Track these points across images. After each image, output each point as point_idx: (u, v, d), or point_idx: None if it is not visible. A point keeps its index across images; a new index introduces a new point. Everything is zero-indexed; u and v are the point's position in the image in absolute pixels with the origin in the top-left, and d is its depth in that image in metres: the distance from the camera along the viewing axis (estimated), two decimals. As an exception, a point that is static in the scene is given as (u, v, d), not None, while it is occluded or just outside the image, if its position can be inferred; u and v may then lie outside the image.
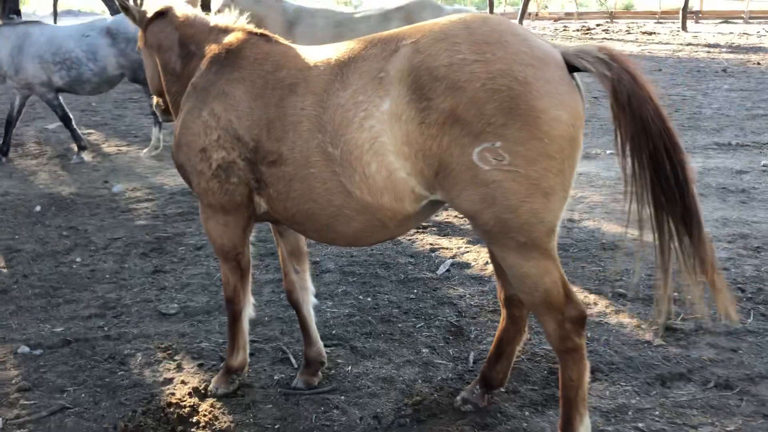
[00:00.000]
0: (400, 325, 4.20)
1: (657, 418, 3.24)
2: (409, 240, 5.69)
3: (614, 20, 35.16)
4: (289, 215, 2.93)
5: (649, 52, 20.86)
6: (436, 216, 6.03)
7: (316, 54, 2.90)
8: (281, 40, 3.10)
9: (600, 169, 7.77)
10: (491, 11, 31.90)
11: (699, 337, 3.98)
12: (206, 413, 3.33)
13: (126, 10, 3.44)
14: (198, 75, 3.10)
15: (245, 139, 2.90)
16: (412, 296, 4.62)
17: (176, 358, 3.89)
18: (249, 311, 3.48)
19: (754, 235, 5.58)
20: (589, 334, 4.03)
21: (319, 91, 2.74)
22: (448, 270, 5.01)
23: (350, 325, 4.21)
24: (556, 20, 36.12)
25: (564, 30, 30.24)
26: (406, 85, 2.54)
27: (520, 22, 29.28)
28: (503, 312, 3.23)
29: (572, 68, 2.61)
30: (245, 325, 3.47)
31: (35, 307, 4.57)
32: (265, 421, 3.27)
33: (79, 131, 8.90)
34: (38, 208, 6.74)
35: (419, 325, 4.20)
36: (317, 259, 5.30)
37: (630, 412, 3.29)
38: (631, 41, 24.82)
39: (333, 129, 2.66)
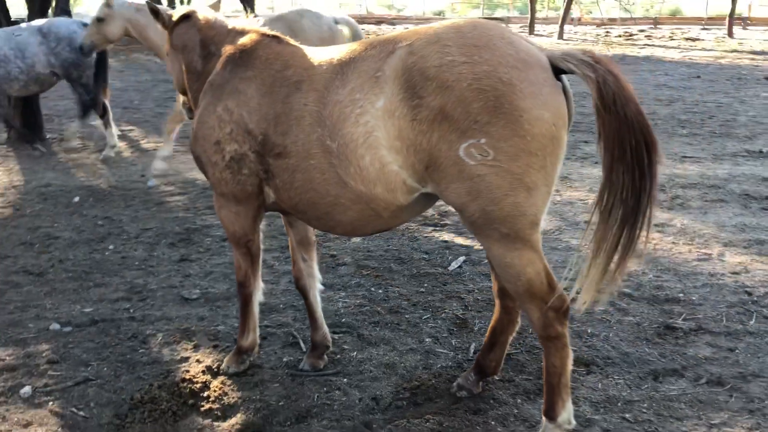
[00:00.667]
0: (407, 316, 4.38)
1: (644, 410, 3.36)
2: (426, 237, 5.86)
3: (658, 26, 34.70)
4: (292, 204, 3.15)
5: (689, 59, 20.60)
6: (455, 215, 6.19)
7: (321, 54, 3.11)
8: (291, 41, 3.32)
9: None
10: (532, 16, 31.86)
11: (698, 336, 4.07)
12: (216, 389, 3.56)
13: (155, 13, 3.69)
14: (214, 73, 3.34)
15: (255, 132, 3.12)
16: (422, 290, 4.79)
17: (194, 339, 4.13)
18: (259, 295, 3.70)
19: (770, 242, 5.61)
20: (589, 330, 4.16)
21: (321, 88, 2.94)
22: (460, 266, 5.16)
23: (360, 315, 4.40)
24: (598, 26, 35.79)
25: (606, 35, 29.97)
26: (400, 84, 2.72)
27: (561, 27, 29.17)
28: (497, 303, 3.39)
29: (559, 71, 2.75)
30: (255, 308, 3.69)
31: (68, 289, 4.87)
32: (270, 398, 3.49)
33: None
34: (77, 199, 7.10)
35: (425, 317, 4.37)
36: (334, 253, 5.51)
37: (619, 404, 3.41)
38: (673, 47, 24.52)
39: (331, 123, 2.86)
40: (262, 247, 3.62)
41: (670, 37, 28.99)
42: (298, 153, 2.99)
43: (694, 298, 4.58)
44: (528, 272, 2.79)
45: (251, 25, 3.45)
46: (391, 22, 40.43)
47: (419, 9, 51.74)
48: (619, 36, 29.29)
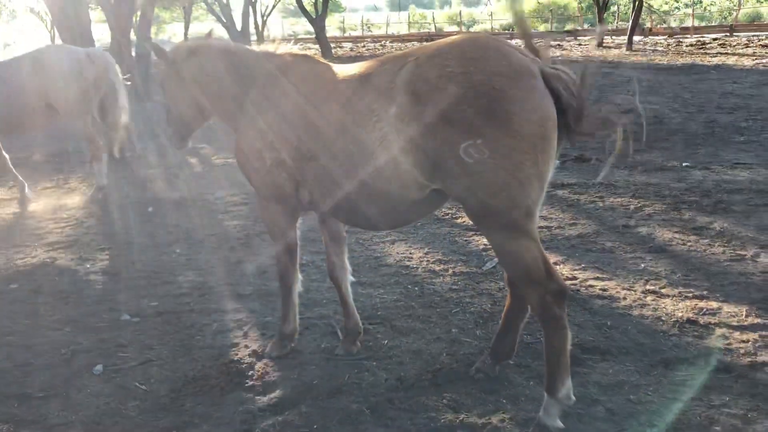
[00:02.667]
0: (438, 310, 4.72)
1: (649, 393, 3.58)
2: (465, 240, 6.19)
3: (735, 33, 33.73)
4: (322, 202, 3.57)
5: (763, 66, 20.10)
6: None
7: (346, 70, 3.53)
8: (320, 59, 3.76)
9: (670, 180, 7.90)
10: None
11: (715, 329, 4.24)
12: (260, 369, 4.00)
13: (158, 51, 4.16)
14: (254, 91, 3.81)
15: (291, 140, 3.57)
16: (455, 287, 5.13)
17: (244, 328, 4.60)
18: (298, 286, 4.13)
19: (806, 243, 5.65)
20: (609, 323, 4.39)
21: (344, 100, 3.36)
22: (494, 267, 5.46)
23: (395, 309, 4.77)
24: (671, 35, 35.09)
25: (677, 45, 29.44)
26: (408, 94, 3.10)
27: (630, 38, 28.86)
28: (509, 291, 3.70)
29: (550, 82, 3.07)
30: (295, 299, 4.13)
31: (138, 286, 5.45)
32: (306, 378, 3.90)
33: None
34: (150, 209, 7.78)
35: (455, 311, 4.70)
36: (378, 255, 5.91)
37: (626, 387, 3.65)
38: (747, 55, 23.91)
39: (353, 130, 3.27)
40: (299, 243, 4.06)
41: (745, 44, 28.21)
42: (326, 157, 3.41)
43: (718, 295, 4.74)
44: (525, 259, 3.10)
45: (283, 48, 3.91)
46: (459, 38, 40.79)
47: (488, 25, 51.98)
48: (691, 45, 28.72)
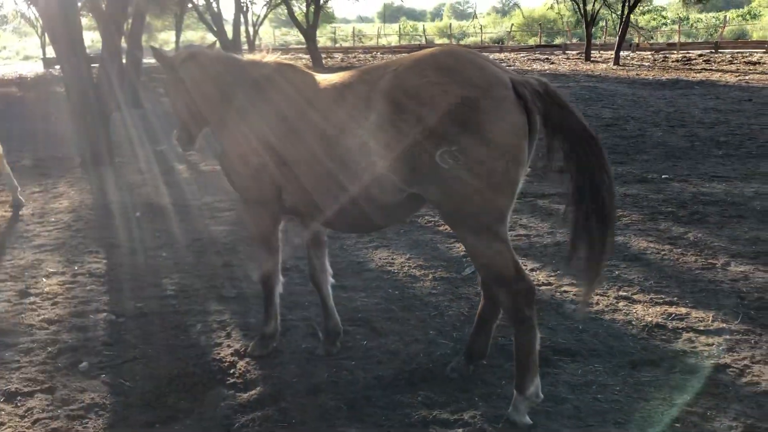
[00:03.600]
0: (417, 313, 4.86)
1: (616, 392, 3.73)
2: (447, 247, 6.33)
3: (720, 50, 34.24)
4: (303, 206, 3.71)
5: (746, 82, 20.47)
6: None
7: (327, 79, 3.68)
8: (303, 68, 3.91)
9: (648, 192, 8.10)
10: (588, 42, 32.00)
11: (682, 334, 4.40)
12: (241, 368, 4.12)
13: (160, 56, 4.29)
14: (240, 98, 3.95)
15: (273, 146, 3.71)
16: (434, 291, 5.27)
17: (227, 329, 4.71)
18: (279, 288, 4.25)
19: (779, 254, 5.84)
20: (581, 327, 4.54)
21: (325, 107, 3.50)
22: (473, 272, 5.60)
23: (375, 312, 4.90)
24: (657, 51, 35.56)
25: (663, 61, 29.85)
26: (387, 103, 3.25)
27: (617, 53, 29.25)
28: (482, 293, 3.84)
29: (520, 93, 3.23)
30: (277, 300, 4.25)
31: (124, 288, 5.56)
32: (285, 376, 4.02)
33: None
34: (138, 214, 7.89)
35: (433, 314, 4.84)
36: (361, 260, 6.04)
37: (594, 387, 3.80)
38: (731, 71, 24.31)
39: (333, 137, 3.41)
40: (281, 246, 4.19)
41: (729, 61, 28.66)
42: (306, 163, 3.55)
43: (687, 301, 4.91)
44: (497, 261, 3.25)
45: (268, 57, 4.05)
46: (449, 51, 41.10)
47: (477, 38, 52.42)
48: (676, 61, 29.14)
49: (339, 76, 3.65)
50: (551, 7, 40.87)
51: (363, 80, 3.44)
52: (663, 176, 8.90)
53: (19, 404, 3.81)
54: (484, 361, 4.00)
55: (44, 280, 5.80)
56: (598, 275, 3.27)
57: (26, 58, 57.69)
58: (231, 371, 4.09)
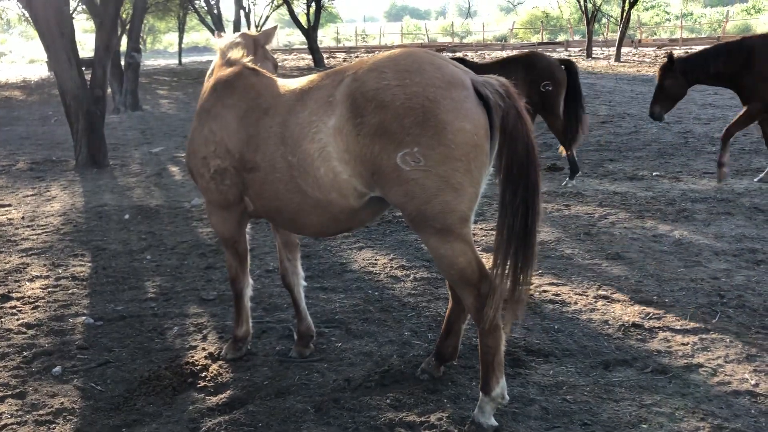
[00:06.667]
0: (394, 314, 4.85)
1: (585, 393, 3.70)
2: (430, 247, 6.31)
3: (723, 45, 34.02)
4: (265, 211, 3.71)
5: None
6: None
7: (288, 84, 3.67)
8: (267, 73, 3.90)
9: (638, 189, 8.06)
10: (589, 39, 31.90)
11: (658, 333, 4.37)
12: (213, 371, 4.11)
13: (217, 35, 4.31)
14: (204, 98, 3.95)
15: (233, 151, 3.70)
16: (414, 292, 5.25)
17: (204, 332, 4.71)
18: (249, 291, 4.24)
19: (763, 251, 5.79)
20: (556, 327, 4.52)
21: (284, 112, 3.49)
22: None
23: (352, 313, 4.90)
24: (659, 47, 35.41)
25: (664, 57, 29.67)
26: (346, 106, 3.24)
27: (618, 50, 29.15)
28: (450, 295, 3.82)
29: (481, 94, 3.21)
30: (247, 302, 4.24)
31: (105, 291, 5.57)
32: (257, 379, 4.01)
33: None
34: (126, 216, 7.91)
35: (410, 315, 4.82)
36: (344, 261, 6.04)
37: (564, 388, 3.77)
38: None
39: (293, 142, 3.40)
40: (248, 248, 4.18)
41: (732, 56, 28.46)
42: (266, 168, 3.54)
43: (666, 300, 4.87)
44: (460, 262, 3.23)
45: (238, 58, 4.03)
46: (452, 49, 41.13)
47: (480, 36, 52.30)
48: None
49: (300, 80, 3.63)
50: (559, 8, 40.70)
51: (324, 84, 3.43)
52: (654, 173, 8.86)
53: (-11, 409, 3.82)
54: (455, 362, 3.99)
55: (27, 283, 5.82)
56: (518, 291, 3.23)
57: (31, 61, 58.05)
58: (203, 374, 4.09)
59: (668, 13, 47.78)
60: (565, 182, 8.59)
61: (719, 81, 8.35)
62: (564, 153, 8.59)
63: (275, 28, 4.68)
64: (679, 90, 8.45)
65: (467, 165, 3.12)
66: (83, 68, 11.18)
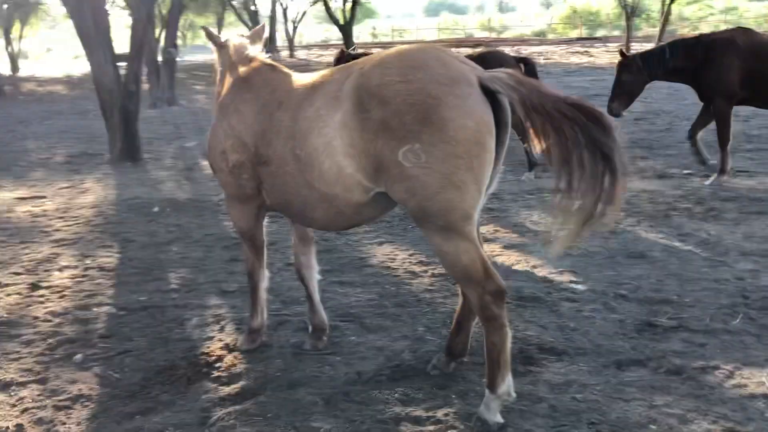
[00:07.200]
0: (409, 309, 4.86)
1: (596, 392, 3.67)
2: (451, 243, 6.31)
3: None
4: (277, 203, 3.76)
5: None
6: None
7: (302, 79, 3.71)
8: (283, 68, 3.95)
9: (667, 188, 7.93)
10: (628, 34, 31.39)
11: (675, 333, 4.31)
12: (228, 361, 4.19)
13: (209, 36, 4.39)
14: (224, 94, 4.01)
15: (249, 145, 3.76)
16: (431, 288, 5.26)
17: (222, 323, 4.79)
18: (265, 283, 4.31)
19: (793, 252, 5.66)
20: (572, 325, 4.48)
21: (295, 107, 3.53)
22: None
23: (368, 307, 4.92)
24: (702, 42, 34.61)
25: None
26: (352, 101, 3.26)
27: (659, 41, 28.60)
28: (460, 293, 3.82)
29: (489, 90, 3.19)
30: (262, 294, 4.31)
31: (131, 282, 5.70)
32: (270, 370, 4.07)
33: None
34: (156, 209, 8.07)
35: (426, 310, 4.83)
36: (364, 256, 6.07)
37: (574, 386, 3.74)
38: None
39: (301, 136, 3.44)
40: (266, 240, 4.24)
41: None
42: (277, 161, 3.59)
43: (687, 300, 4.79)
44: (463, 260, 3.23)
45: (255, 54, 4.09)
46: (488, 44, 40.85)
47: (518, 31, 51.82)
48: (721, 52, 28.30)
49: (312, 75, 3.67)
50: None
51: (333, 79, 3.45)
52: (684, 171, 8.70)
53: (12, 394, 3.94)
54: (465, 358, 3.99)
55: (56, 273, 5.98)
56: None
57: (76, 57, 59.34)
58: (217, 365, 4.16)
59: (712, 8, 46.70)
60: (524, 176, 8.73)
61: (678, 77, 8.49)
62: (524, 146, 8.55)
63: (263, 26, 4.73)
64: (637, 86, 8.57)
65: (469, 162, 3.10)
66: (119, 63, 11.41)
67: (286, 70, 3.96)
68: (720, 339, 4.19)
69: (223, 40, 4.40)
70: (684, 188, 7.87)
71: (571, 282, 5.23)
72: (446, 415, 3.51)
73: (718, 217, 6.71)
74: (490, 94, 3.17)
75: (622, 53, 8.57)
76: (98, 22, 10.68)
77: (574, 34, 46.25)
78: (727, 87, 7.87)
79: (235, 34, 4.57)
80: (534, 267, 5.59)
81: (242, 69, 4.02)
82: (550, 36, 46.34)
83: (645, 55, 8.54)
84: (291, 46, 35.73)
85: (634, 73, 8.41)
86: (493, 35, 53.93)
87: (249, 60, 4.08)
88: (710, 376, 3.79)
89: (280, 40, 37.36)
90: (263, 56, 4.06)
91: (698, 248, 5.87)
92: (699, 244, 5.98)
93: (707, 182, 7.98)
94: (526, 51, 34.18)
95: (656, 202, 7.35)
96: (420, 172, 3.11)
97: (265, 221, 4.20)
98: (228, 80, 4.14)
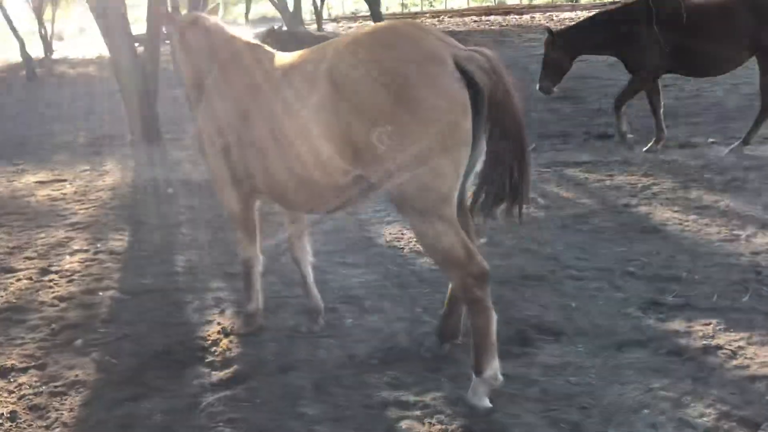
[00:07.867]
0: (410, 291, 4.80)
1: (591, 375, 3.57)
2: (459, 220, 6.21)
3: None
4: (261, 186, 3.70)
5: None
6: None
7: (284, 59, 3.62)
8: (267, 48, 3.86)
9: (688, 158, 7.67)
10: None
11: (681, 312, 4.16)
12: (223, 346, 4.18)
13: (167, 19, 4.33)
14: (210, 76, 3.95)
15: (234, 127, 3.70)
16: (435, 268, 5.15)
17: (222, 306, 4.79)
18: (259, 267, 4.28)
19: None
20: (573, 304, 4.37)
21: (275, 88, 3.46)
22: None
23: (369, 288, 4.87)
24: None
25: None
26: (327, 82, 3.17)
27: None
28: (451, 274, 3.73)
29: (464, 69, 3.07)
30: (256, 278, 4.28)
31: (137, 265, 5.74)
32: (264, 353, 4.06)
33: None
34: (170, 191, 8.11)
35: (426, 291, 4.76)
36: (372, 236, 6.01)
37: (569, 369, 3.64)
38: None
39: (279, 118, 3.37)
40: (258, 223, 4.21)
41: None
42: (260, 144, 3.53)
43: (697, 276, 4.63)
44: (443, 242, 3.14)
45: (240, 34, 4.02)
46: (519, 12, 39.93)
47: (550, -3, 50.53)
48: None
49: (293, 55, 3.59)
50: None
51: (310, 60, 3.37)
52: (709, 140, 8.41)
53: (11, 379, 4.00)
54: (458, 341, 3.91)
55: (68, 257, 6.05)
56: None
57: (108, 37, 59.93)
58: (212, 349, 4.16)
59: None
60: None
61: (604, 50, 8.54)
62: None
63: (217, 5, 4.63)
64: (564, 63, 8.56)
65: (444, 143, 3.00)
66: (137, 44, 11.43)
67: (268, 49, 3.88)
68: (726, 317, 4.04)
69: (185, 19, 4.29)
70: (706, 157, 7.61)
71: (577, 259, 5.09)
72: (435, 399, 3.46)
73: (740, 188, 6.46)
74: (466, 73, 3.05)
75: (549, 30, 8.53)
76: (113, 3, 10.68)
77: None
78: (651, 60, 7.84)
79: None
80: (541, 244, 5.46)
81: (222, 50, 3.95)
82: (584, 1, 45.12)
83: (569, 32, 8.62)
84: (319, 20, 35.41)
85: (559, 50, 8.43)
86: (525, 1, 52.74)
87: (230, 40, 4.01)
88: (712, 356, 3.66)
89: (307, 12, 37.11)
90: (245, 35, 3.99)
91: (714, 221, 5.66)
92: (716, 216, 5.78)
93: (724, 152, 7.70)
94: (557, 17, 33.34)
95: (675, 173, 7.12)
96: (394, 154, 3.02)
97: (257, 204, 4.17)
98: (204, 62, 4.05)
